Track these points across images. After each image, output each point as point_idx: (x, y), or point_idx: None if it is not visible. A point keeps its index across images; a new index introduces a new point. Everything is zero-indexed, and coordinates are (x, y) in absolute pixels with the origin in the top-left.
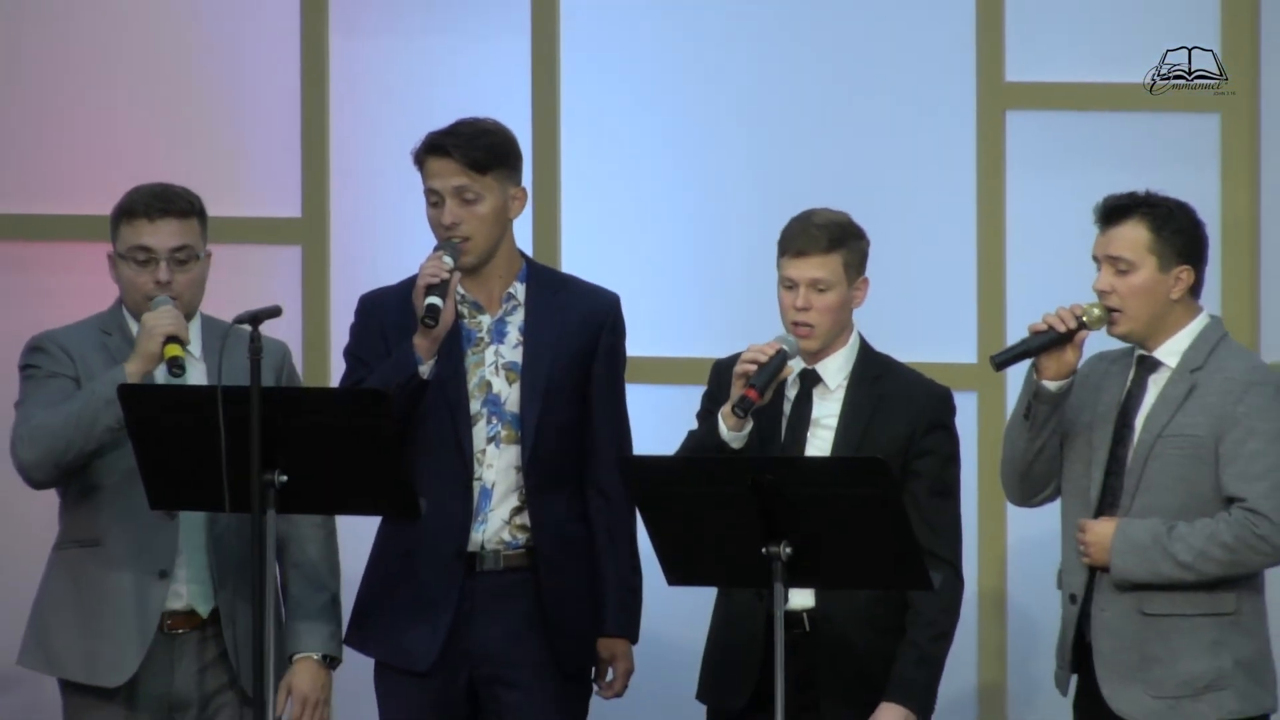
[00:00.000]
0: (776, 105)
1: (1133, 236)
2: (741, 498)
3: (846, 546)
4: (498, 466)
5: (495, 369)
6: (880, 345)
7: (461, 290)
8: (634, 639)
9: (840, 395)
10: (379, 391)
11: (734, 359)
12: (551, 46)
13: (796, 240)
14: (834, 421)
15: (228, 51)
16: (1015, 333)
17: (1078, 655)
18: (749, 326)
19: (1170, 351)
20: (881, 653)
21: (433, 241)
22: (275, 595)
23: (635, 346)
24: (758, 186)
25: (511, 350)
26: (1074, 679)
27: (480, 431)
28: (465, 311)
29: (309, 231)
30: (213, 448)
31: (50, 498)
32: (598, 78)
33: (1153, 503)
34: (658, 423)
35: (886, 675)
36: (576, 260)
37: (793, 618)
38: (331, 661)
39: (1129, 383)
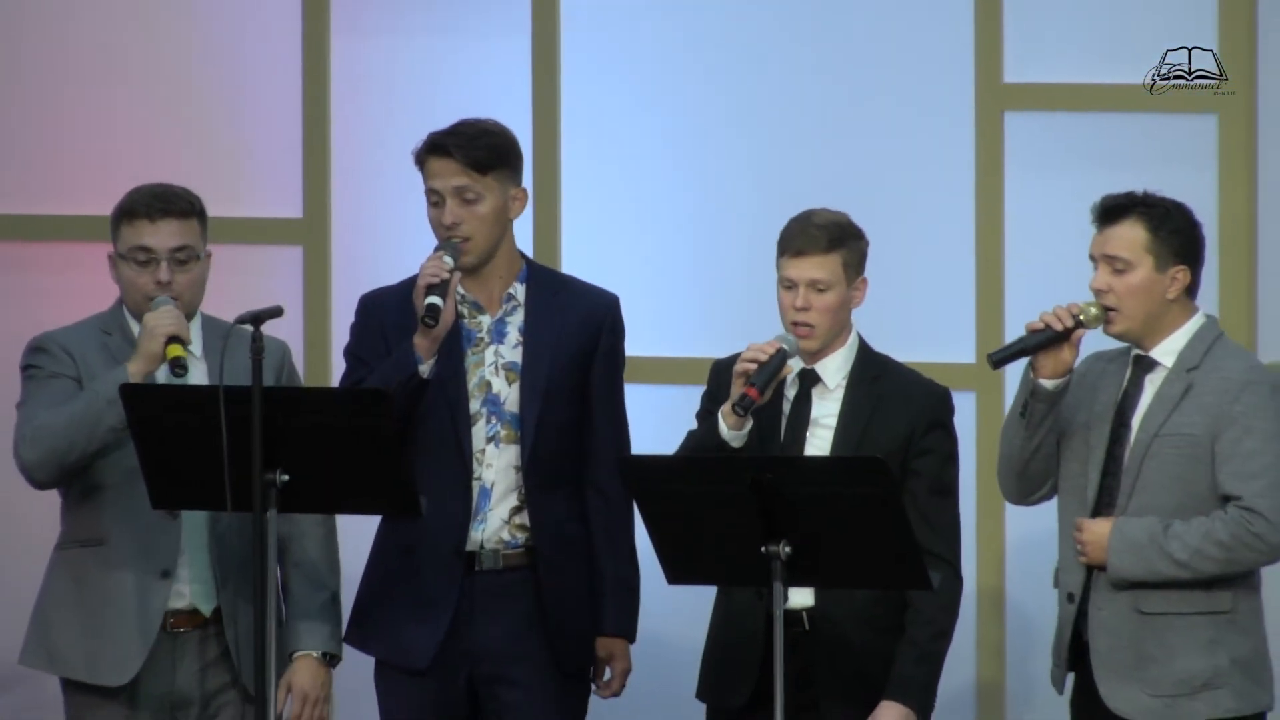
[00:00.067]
0: (776, 106)
1: (1130, 236)
2: (741, 497)
3: (846, 545)
4: (497, 466)
5: (495, 369)
6: (879, 345)
7: (461, 290)
8: (631, 638)
9: (839, 395)
10: (380, 391)
11: (733, 359)
12: (552, 46)
13: (796, 240)
14: (833, 421)
15: (229, 52)
16: (1013, 333)
17: (1074, 654)
18: (749, 326)
19: (1166, 351)
20: (881, 651)
21: (434, 242)
22: (276, 594)
23: (635, 346)
24: (757, 187)
25: (511, 350)
26: (1071, 677)
27: (480, 431)
28: (465, 311)
29: (310, 232)
30: (214, 447)
31: (51, 497)
32: (598, 78)
33: (1149, 502)
34: (658, 423)
35: (886, 674)
36: (577, 260)
37: (792, 616)
38: (331, 659)
39: (1125, 382)
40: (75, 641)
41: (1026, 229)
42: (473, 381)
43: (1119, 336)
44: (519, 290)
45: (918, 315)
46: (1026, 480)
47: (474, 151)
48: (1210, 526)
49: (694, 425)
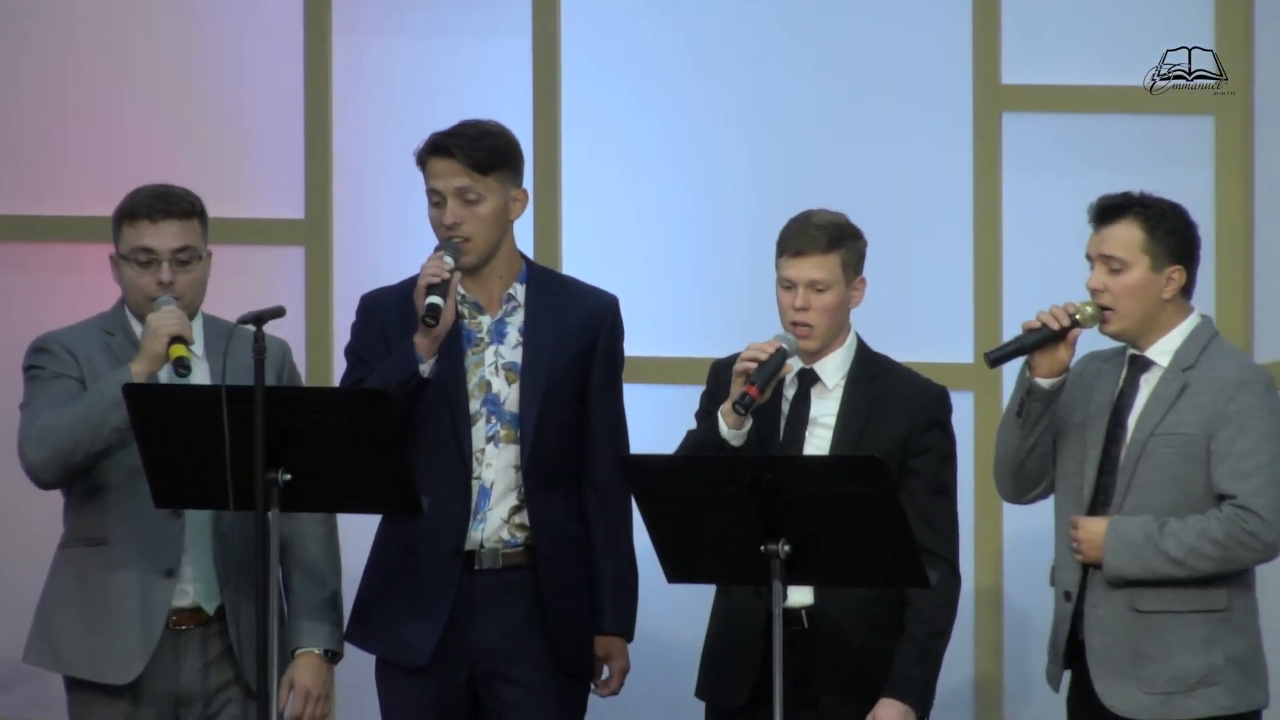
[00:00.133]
0: (775, 107)
1: (1126, 236)
2: (741, 496)
3: (845, 544)
4: (497, 466)
5: (495, 369)
6: (878, 345)
7: (462, 291)
8: (630, 637)
9: (838, 394)
10: (381, 391)
11: (732, 359)
12: (552, 47)
13: (795, 240)
14: (832, 420)
15: (231, 53)
16: (1011, 333)
17: (1071, 652)
18: (748, 326)
19: (1162, 351)
20: (880, 650)
21: (434, 242)
22: (278, 592)
23: (635, 346)
24: (757, 187)
25: (511, 350)
26: (1067, 675)
27: (479, 431)
28: (465, 312)
29: (312, 233)
30: (217, 447)
31: (53, 497)
32: (598, 78)
33: (1145, 501)
34: (657, 422)
35: (885, 672)
36: (577, 260)
37: (791, 615)
38: (333, 656)
39: (1121, 382)
40: (79, 640)
41: (1024, 229)
42: (473, 381)
43: (1115, 336)
44: (519, 291)
45: (916, 315)
46: (1022, 479)
47: (475, 152)
48: (1205, 525)
49: (693, 425)
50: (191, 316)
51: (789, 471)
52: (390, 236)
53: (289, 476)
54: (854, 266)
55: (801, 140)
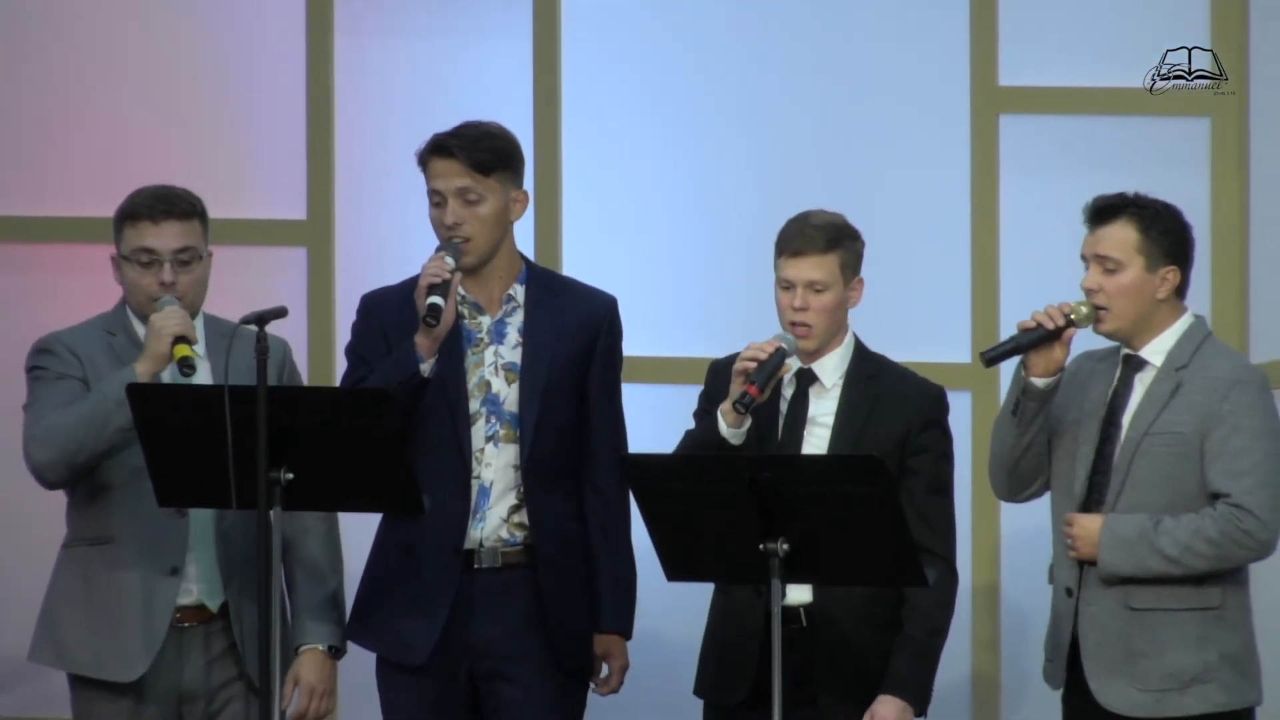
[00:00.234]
0: (774, 108)
1: (1121, 236)
2: (740, 495)
3: (843, 543)
4: (496, 465)
5: (495, 369)
6: (876, 345)
7: (462, 291)
8: (628, 635)
9: (836, 394)
10: (382, 391)
11: (730, 359)
12: (553, 49)
13: (794, 241)
14: (830, 420)
15: (233, 54)
16: (1008, 333)
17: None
18: (748, 327)
19: (1155, 350)
20: (878, 647)
21: (435, 242)
22: (281, 590)
23: (635, 346)
24: (756, 188)
25: (511, 351)
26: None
27: (479, 430)
28: (465, 312)
29: (314, 233)
30: (219, 446)
31: (56, 497)
32: (598, 80)
33: (1139, 500)
34: (656, 422)
35: (883, 670)
36: (577, 260)
37: (790, 613)
38: (336, 652)
39: (1115, 381)
40: (83, 638)
41: (1021, 230)
42: (472, 381)
43: (1109, 335)
44: (519, 291)
45: (914, 315)
46: (1017, 478)
47: (477, 153)
48: (1200, 524)
49: (691, 425)
50: (192, 316)
51: (788, 471)
52: (392, 237)
53: (291, 476)
54: (852, 267)
55: (800, 141)
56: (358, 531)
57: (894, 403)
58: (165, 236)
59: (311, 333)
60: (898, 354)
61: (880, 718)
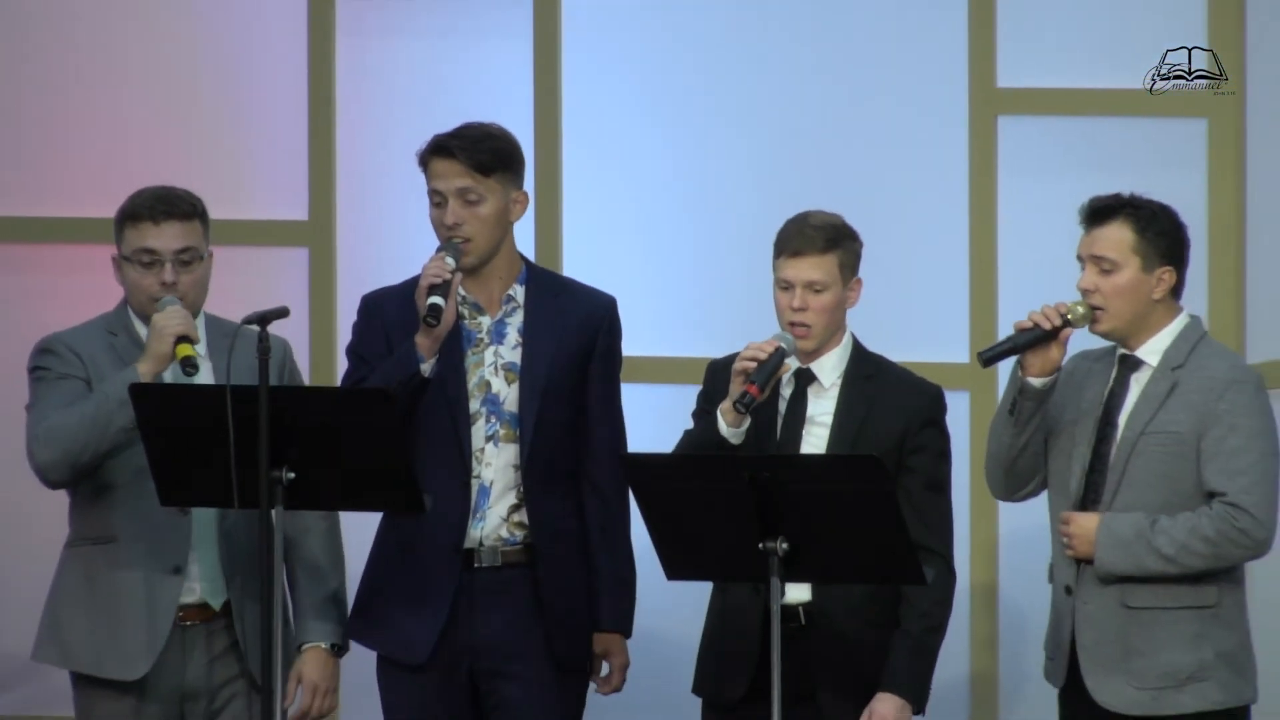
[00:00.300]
0: (774, 109)
1: (1117, 237)
2: (739, 494)
3: (842, 541)
4: (496, 465)
5: (494, 369)
6: (874, 345)
7: (462, 291)
8: (628, 634)
9: (834, 394)
10: (382, 390)
11: (729, 359)
12: (553, 49)
13: (793, 241)
14: (829, 419)
15: (234, 55)
16: (1005, 333)
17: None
18: (747, 327)
19: (1151, 350)
20: (877, 646)
21: (436, 243)
22: (283, 588)
23: (634, 346)
24: (755, 189)
25: (511, 351)
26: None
27: (479, 430)
28: (465, 312)
29: (315, 234)
30: (221, 446)
31: (59, 497)
32: (599, 80)
33: (1135, 499)
34: (656, 422)
35: (881, 668)
36: (577, 260)
37: (789, 612)
38: (338, 650)
39: (1111, 381)
40: (87, 637)
41: (1019, 231)
42: (472, 381)
43: (1105, 335)
44: (518, 292)
45: (912, 316)
46: (1014, 477)
47: (477, 154)
48: (1196, 522)
49: (691, 425)
50: (194, 317)
51: (787, 470)
52: (393, 237)
53: (292, 475)
54: (851, 267)
55: (799, 142)
56: (358, 531)
57: (892, 402)
58: (166, 237)
59: (313, 333)
60: (896, 354)
61: (879, 715)
